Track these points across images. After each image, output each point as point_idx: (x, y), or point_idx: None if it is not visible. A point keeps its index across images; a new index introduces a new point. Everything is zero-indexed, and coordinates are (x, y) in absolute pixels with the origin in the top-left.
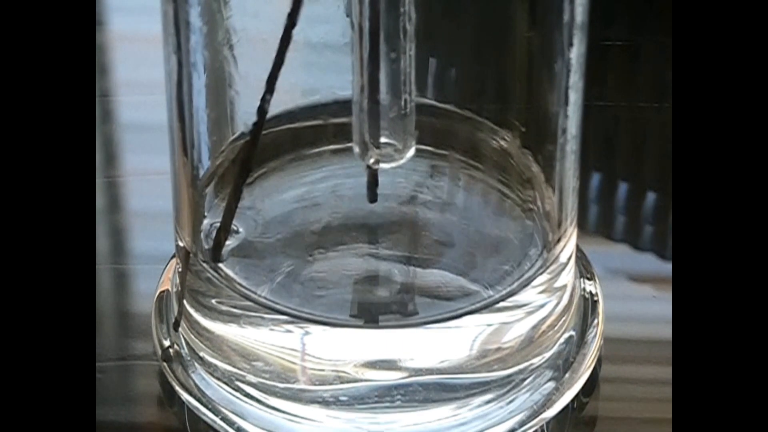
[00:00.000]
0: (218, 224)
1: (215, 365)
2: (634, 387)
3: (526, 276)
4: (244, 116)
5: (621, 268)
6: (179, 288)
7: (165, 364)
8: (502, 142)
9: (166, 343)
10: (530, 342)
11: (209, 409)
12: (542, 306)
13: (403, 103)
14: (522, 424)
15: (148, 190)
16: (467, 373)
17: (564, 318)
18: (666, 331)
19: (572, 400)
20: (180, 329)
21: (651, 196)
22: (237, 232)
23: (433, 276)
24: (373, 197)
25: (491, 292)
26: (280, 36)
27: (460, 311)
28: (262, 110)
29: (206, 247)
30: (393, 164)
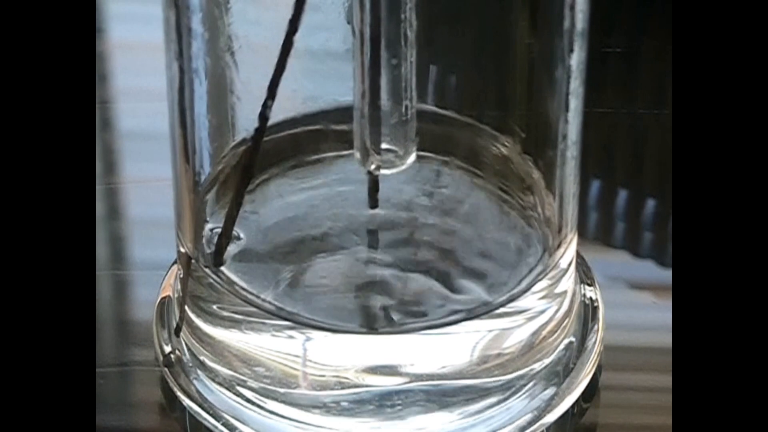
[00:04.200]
0: (220, 230)
1: (217, 371)
2: (634, 394)
3: (526, 282)
4: (246, 122)
5: (621, 275)
6: (181, 294)
7: (166, 369)
8: (503, 149)
9: (168, 348)
10: (530, 348)
11: (211, 415)
12: (542, 312)
13: (404, 109)
14: (522, 429)
15: (148, 197)
16: (468, 378)
17: (564, 324)
18: (666, 339)
19: (572, 406)
20: (181, 335)
21: (651, 203)
22: (238, 237)
23: (434, 282)
24: (374, 203)
25: (491, 298)
26: (281, 42)
27: (460, 317)
28: (263, 116)
29: (208, 252)
30: (394, 170)
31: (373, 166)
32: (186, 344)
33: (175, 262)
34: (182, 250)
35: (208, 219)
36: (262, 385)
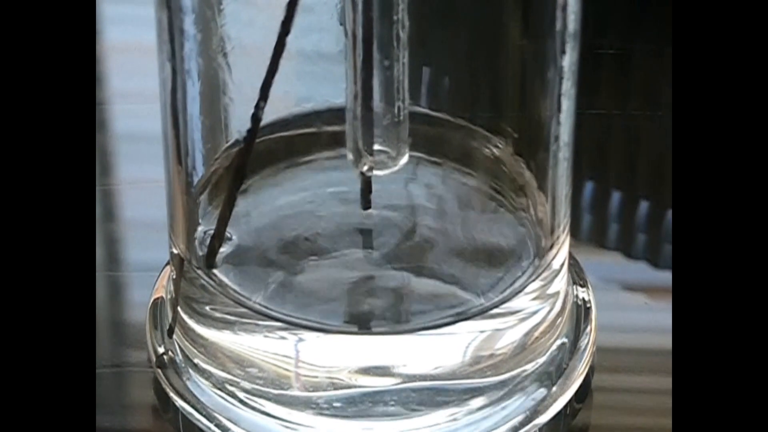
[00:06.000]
0: (212, 231)
1: (209, 372)
2: (627, 395)
3: (518, 283)
4: (238, 124)
5: (614, 277)
6: (173, 295)
7: (159, 370)
8: (495, 150)
9: (161, 349)
10: (523, 348)
11: (203, 416)
12: (535, 313)
13: (396, 110)
14: (515, 430)
15: (142, 199)
16: (460, 379)
17: (557, 325)
18: (659, 340)
19: (565, 407)
20: (174, 336)
21: (644, 205)
22: (231, 239)
23: (426, 282)
24: (366, 204)
25: (484, 299)
26: (273, 44)
27: (453, 318)
28: (256, 118)
29: (200, 254)
30: (386, 171)
31: (365, 168)
32: (179, 345)
33: (167, 264)
34: (175, 251)
35: (200, 220)
36: (254, 386)
